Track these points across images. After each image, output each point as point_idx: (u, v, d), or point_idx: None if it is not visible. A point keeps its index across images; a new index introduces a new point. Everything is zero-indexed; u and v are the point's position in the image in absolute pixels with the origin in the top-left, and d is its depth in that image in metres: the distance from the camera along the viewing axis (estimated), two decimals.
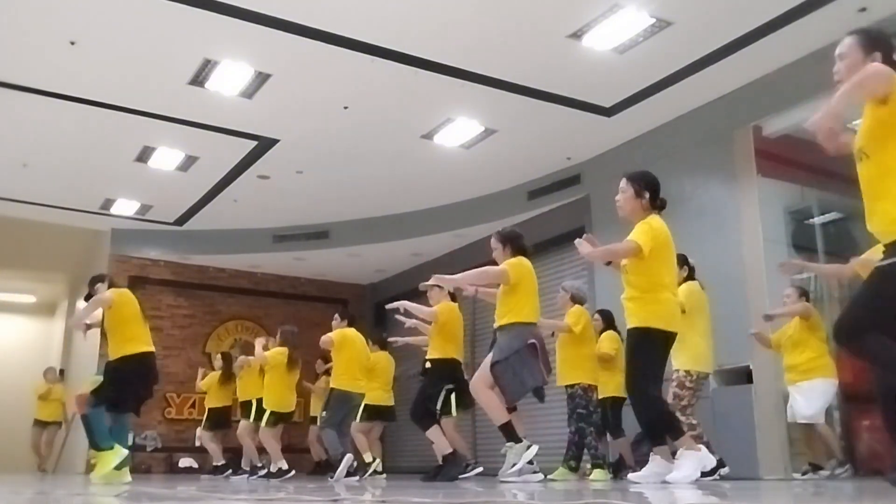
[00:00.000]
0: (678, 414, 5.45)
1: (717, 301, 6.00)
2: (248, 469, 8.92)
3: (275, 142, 8.40)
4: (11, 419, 11.92)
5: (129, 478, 5.67)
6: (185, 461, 11.12)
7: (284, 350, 8.14)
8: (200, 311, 12.06)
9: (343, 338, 7.33)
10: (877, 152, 2.90)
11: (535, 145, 8.32)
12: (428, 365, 6.15)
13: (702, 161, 7.22)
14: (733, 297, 6.42)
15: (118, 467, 5.57)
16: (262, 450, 8.42)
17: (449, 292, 6.39)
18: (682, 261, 5.49)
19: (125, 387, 5.79)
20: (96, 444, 5.69)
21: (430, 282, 5.60)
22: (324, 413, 7.23)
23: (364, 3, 5.87)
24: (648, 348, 4.32)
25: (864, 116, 2.96)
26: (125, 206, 10.48)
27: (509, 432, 5.08)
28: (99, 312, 6.04)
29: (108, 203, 10.36)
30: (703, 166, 7.21)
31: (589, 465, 6.35)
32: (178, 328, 11.74)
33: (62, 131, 8.12)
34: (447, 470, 5.72)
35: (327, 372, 8.70)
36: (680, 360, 5.55)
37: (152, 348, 5.99)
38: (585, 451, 6.36)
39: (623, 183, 4.54)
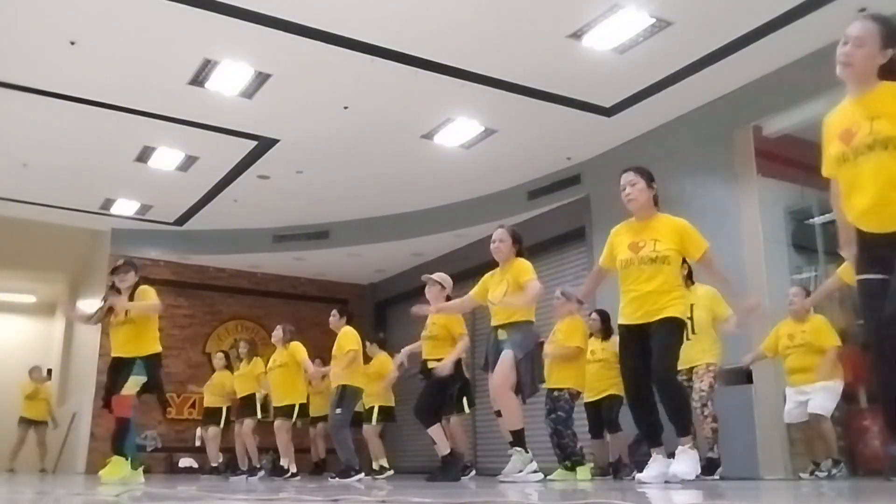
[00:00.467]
0: (710, 404, 5.63)
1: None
2: (245, 469, 8.91)
3: (275, 142, 8.40)
4: (12, 419, 11.90)
5: (142, 478, 5.67)
6: (185, 461, 11.12)
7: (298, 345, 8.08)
8: (200, 311, 12.06)
9: (355, 337, 7.31)
10: None
11: (535, 145, 8.32)
12: (437, 365, 5.96)
13: (702, 161, 7.22)
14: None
15: (134, 467, 5.59)
16: (261, 450, 8.45)
17: (447, 296, 6.33)
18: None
19: (160, 383, 5.75)
20: (122, 450, 5.56)
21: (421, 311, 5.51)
22: (337, 411, 7.09)
23: (364, 3, 5.87)
24: (681, 340, 4.43)
25: (887, 103, 2.85)
26: (125, 206, 10.48)
27: (521, 439, 5.07)
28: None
29: (108, 203, 10.36)
30: (703, 166, 7.21)
31: (568, 465, 6.30)
32: (178, 328, 11.73)
33: (62, 131, 8.12)
34: (449, 470, 5.72)
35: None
36: (708, 355, 5.72)
37: None
38: (563, 449, 6.31)
39: (632, 175, 4.45)
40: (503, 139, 8.16)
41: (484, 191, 9.66)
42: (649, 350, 4.25)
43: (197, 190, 9.86)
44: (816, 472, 5.71)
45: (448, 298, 6.35)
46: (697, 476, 4.34)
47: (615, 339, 6.55)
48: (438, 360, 5.94)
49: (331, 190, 9.70)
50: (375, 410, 7.89)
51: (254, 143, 8.44)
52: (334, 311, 7.60)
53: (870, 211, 2.89)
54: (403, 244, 10.90)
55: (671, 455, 4.41)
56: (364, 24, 6.13)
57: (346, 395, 7.10)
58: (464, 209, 10.00)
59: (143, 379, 5.56)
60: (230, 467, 9.24)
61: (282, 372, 7.85)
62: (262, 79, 6.97)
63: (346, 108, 7.51)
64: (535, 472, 5.14)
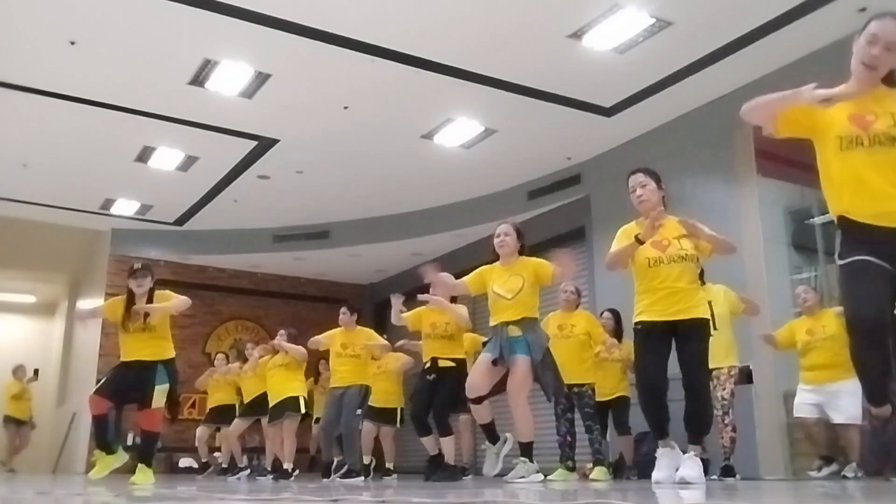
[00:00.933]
0: (732, 412, 5.63)
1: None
2: (245, 466, 8.91)
3: (275, 142, 8.40)
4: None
5: (119, 463, 5.65)
6: (185, 461, 11.11)
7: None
8: (200, 311, 12.04)
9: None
10: None
11: (535, 145, 8.33)
12: (451, 364, 5.90)
13: (702, 161, 7.22)
14: None
15: (112, 451, 5.57)
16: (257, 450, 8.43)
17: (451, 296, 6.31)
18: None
19: (176, 388, 5.69)
20: (147, 458, 5.54)
21: (564, 270, 5.16)
22: (359, 411, 7.02)
23: (364, 3, 5.87)
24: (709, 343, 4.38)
25: None
26: (125, 206, 10.48)
27: (530, 451, 5.02)
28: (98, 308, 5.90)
29: (108, 203, 10.36)
30: (703, 166, 7.20)
31: (590, 465, 6.34)
32: (177, 328, 11.52)
33: (62, 131, 8.12)
34: (448, 471, 5.71)
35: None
36: (729, 357, 5.70)
37: None
38: (574, 449, 6.31)
39: (642, 177, 4.42)
40: (503, 139, 8.16)
41: (484, 191, 9.66)
42: (669, 347, 4.25)
43: (197, 190, 9.86)
44: (828, 468, 5.63)
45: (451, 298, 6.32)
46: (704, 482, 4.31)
47: (626, 340, 6.57)
48: (452, 359, 5.92)
49: (331, 190, 9.70)
50: (399, 413, 7.78)
51: (254, 143, 8.44)
52: (344, 309, 7.21)
53: (876, 201, 2.80)
54: (403, 244, 10.90)
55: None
56: (364, 24, 6.13)
57: (364, 395, 7.04)
58: (464, 209, 10.00)
59: (166, 387, 5.45)
60: (230, 468, 9.24)
61: (282, 371, 7.80)
62: (262, 79, 6.97)
63: (346, 108, 7.52)
64: (536, 472, 5.13)
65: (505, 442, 5.14)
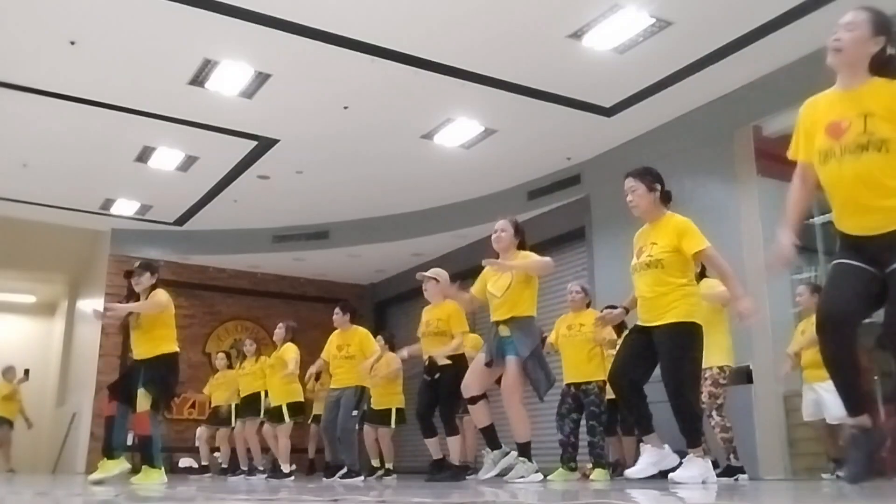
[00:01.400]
0: (715, 414, 5.49)
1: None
2: (245, 469, 8.90)
3: (275, 142, 8.40)
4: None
5: (165, 478, 5.66)
6: (185, 461, 11.11)
7: (293, 345, 7.98)
8: (200, 312, 12.05)
9: (371, 338, 7.23)
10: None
11: (535, 145, 8.32)
12: (449, 362, 5.82)
13: (702, 161, 7.22)
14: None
15: (158, 466, 5.57)
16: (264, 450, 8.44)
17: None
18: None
19: (164, 386, 5.69)
20: (151, 460, 5.53)
21: (494, 267, 5.11)
22: (354, 413, 7.02)
23: (364, 3, 5.87)
24: (697, 346, 4.16)
25: (883, 102, 2.79)
26: (125, 206, 10.48)
27: (528, 451, 5.00)
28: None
29: (108, 203, 10.36)
30: (703, 166, 7.20)
31: (590, 465, 6.33)
32: (177, 328, 11.67)
33: (62, 131, 8.12)
34: (451, 471, 5.70)
35: (318, 378, 8.64)
36: (713, 357, 5.46)
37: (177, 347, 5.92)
38: (577, 449, 6.30)
39: (631, 182, 4.38)
40: (503, 139, 8.16)
41: (484, 191, 9.66)
42: (649, 350, 4.22)
43: (197, 190, 9.86)
44: (838, 473, 5.62)
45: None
46: (704, 481, 4.31)
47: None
48: (461, 355, 5.89)
49: (331, 190, 9.70)
50: (395, 413, 7.80)
51: (254, 143, 8.44)
52: (337, 309, 7.23)
53: (854, 214, 2.88)
54: (403, 244, 10.90)
55: (679, 452, 4.38)
56: (364, 24, 6.13)
57: (364, 396, 7.06)
58: (464, 209, 10.00)
59: (149, 395, 5.51)
60: (230, 467, 9.24)
61: (276, 371, 7.88)
62: (262, 79, 6.97)
63: (346, 108, 7.51)
64: (535, 471, 5.13)
65: (507, 454, 5.09)
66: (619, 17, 5.91)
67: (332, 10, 5.97)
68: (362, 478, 6.85)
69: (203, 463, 9.68)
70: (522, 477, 4.93)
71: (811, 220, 6.96)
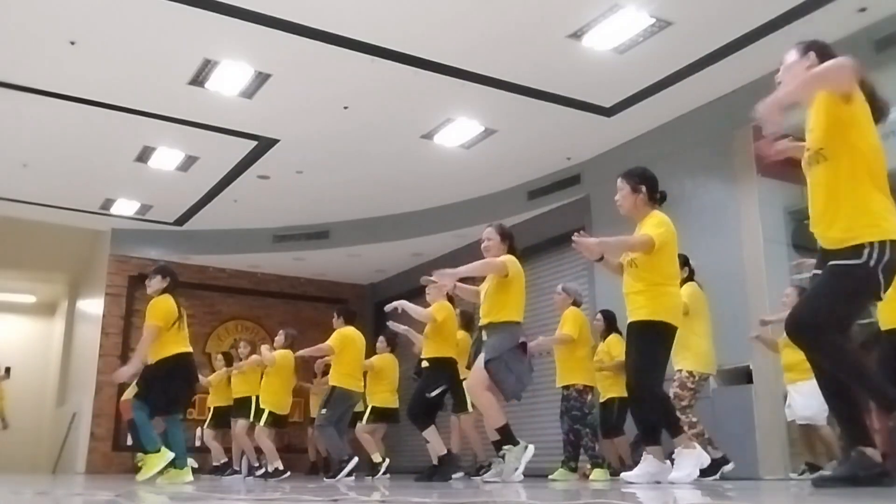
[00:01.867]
0: (687, 413, 5.47)
1: (717, 301, 5.99)
2: (238, 469, 8.91)
3: (275, 142, 8.40)
4: (11, 419, 11.89)
5: (190, 476, 5.75)
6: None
7: (290, 353, 8.14)
8: (200, 311, 12.04)
9: (343, 338, 7.34)
10: (838, 154, 2.85)
11: (535, 145, 8.32)
12: (425, 364, 6.08)
13: (702, 161, 7.22)
14: (733, 297, 6.42)
15: (179, 467, 5.66)
16: (258, 450, 8.43)
17: (448, 294, 6.34)
18: (684, 261, 5.47)
19: (162, 388, 5.75)
20: (143, 447, 5.72)
21: (433, 277, 5.22)
22: (323, 411, 7.17)
23: (364, 3, 5.87)
24: (657, 342, 4.24)
25: (819, 116, 2.90)
26: (125, 206, 10.48)
27: (507, 435, 5.00)
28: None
29: (108, 203, 10.36)
30: (703, 166, 7.20)
31: (588, 466, 6.35)
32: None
33: (62, 131, 8.12)
34: (443, 470, 5.72)
35: (325, 373, 8.67)
36: (682, 361, 5.53)
37: (189, 349, 5.94)
38: (582, 451, 6.36)
39: (619, 182, 4.53)
40: (503, 139, 8.16)
41: (484, 191, 9.66)
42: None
43: (197, 190, 9.86)
44: (808, 473, 5.66)
45: (448, 296, 6.37)
46: (697, 478, 4.33)
47: (612, 339, 6.62)
48: (427, 358, 6.07)
49: (331, 190, 9.70)
50: (368, 411, 7.83)
51: (254, 143, 8.44)
52: (335, 314, 7.68)
53: (813, 225, 3.02)
54: (403, 244, 10.90)
55: (669, 455, 4.42)
56: (364, 24, 6.13)
57: (334, 396, 7.20)
58: (464, 209, 10.00)
59: (136, 387, 5.91)
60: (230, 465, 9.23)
61: (268, 376, 8.07)
62: (262, 79, 6.97)
63: (346, 108, 7.51)
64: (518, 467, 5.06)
65: (526, 448, 5.04)
66: (619, 17, 5.91)
67: (332, 10, 5.97)
68: (352, 464, 6.84)
69: (222, 460, 9.60)
70: (517, 469, 4.87)
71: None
